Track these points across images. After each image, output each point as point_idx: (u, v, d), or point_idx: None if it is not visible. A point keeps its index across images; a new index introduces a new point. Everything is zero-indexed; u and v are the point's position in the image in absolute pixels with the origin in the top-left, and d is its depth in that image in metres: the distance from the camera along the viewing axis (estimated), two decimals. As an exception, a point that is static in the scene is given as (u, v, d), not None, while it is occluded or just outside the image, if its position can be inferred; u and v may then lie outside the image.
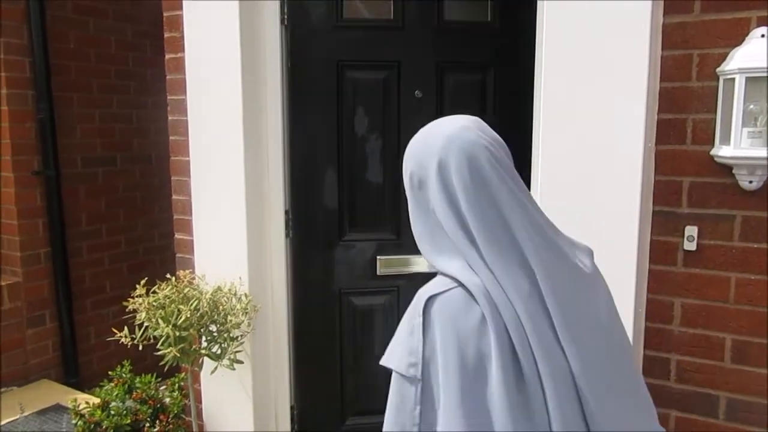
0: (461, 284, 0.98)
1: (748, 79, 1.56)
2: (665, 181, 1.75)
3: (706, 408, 1.76)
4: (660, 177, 1.75)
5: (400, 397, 0.99)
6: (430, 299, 0.99)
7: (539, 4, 1.82)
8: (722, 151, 1.63)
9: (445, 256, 1.02)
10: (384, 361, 1.02)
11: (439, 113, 2.18)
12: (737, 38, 1.62)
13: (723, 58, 1.63)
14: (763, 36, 1.58)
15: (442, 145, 1.00)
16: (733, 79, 1.58)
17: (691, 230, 1.73)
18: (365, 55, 2.53)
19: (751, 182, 1.63)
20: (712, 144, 1.67)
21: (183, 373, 2.60)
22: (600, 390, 0.99)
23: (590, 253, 1.09)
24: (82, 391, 3.23)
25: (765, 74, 1.54)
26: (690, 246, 1.73)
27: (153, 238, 3.88)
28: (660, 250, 1.78)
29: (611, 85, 1.68)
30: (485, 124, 1.06)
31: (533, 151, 1.89)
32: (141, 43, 3.69)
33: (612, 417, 1.00)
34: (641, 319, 1.81)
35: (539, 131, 1.83)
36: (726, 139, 1.62)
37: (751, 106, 1.58)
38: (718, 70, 1.64)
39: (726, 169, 1.66)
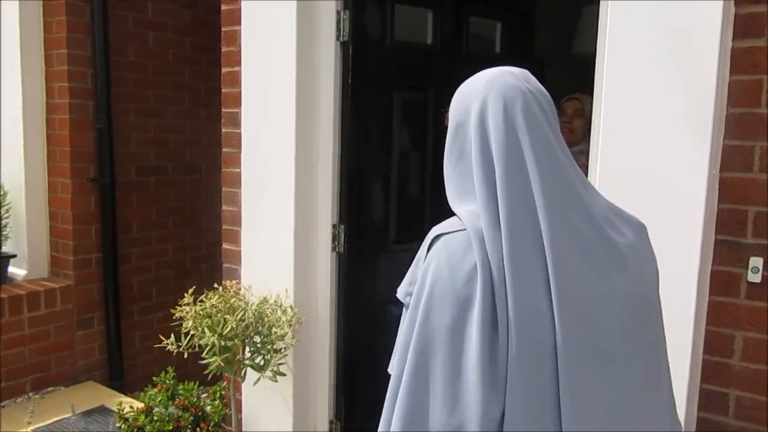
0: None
1: (821, 106, 1.50)
2: (729, 210, 1.69)
3: (767, 448, 1.68)
4: (724, 205, 1.69)
5: (402, 321, 1.06)
6: (436, 237, 1.02)
7: (600, 30, 1.79)
8: (792, 180, 1.57)
9: (463, 199, 1.03)
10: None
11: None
12: (810, 63, 1.56)
13: (795, 83, 1.58)
14: (838, 62, 1.52)
15: (483, 87, 1.03)
16: (806, 106, 1.52)
17: (756, 261, 1.66)
18: (411, 76, 2.61)
19: (822, 214, 1.56)
20: (781, 173, 1.61)
21: (225, 382, 2.62)
22: (580, 376, 0.91)
23: (638, 227, 1.05)
24: (126, 394, 3.29)
25: (840, 102, 1.48)
26: (754, 278, 1.66)
27: (200, 247, 3.94)
28: (722, 281, 1.71)
29: (676, 110, 1.64)
30: (532, 76, 1.06)
31: (589, 178, 1.84)
32: (197, 56, 3.79)
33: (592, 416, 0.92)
34: (699, 351, 1.74)
35: (598, 155, 1.79)
36: (796, 168, 1.56)
37: (825, 135, 1.51)
38: (789, 96, 1.58)
39: (795, 199, 1.60)
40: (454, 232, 1.01)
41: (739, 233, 1.67)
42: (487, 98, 1.01)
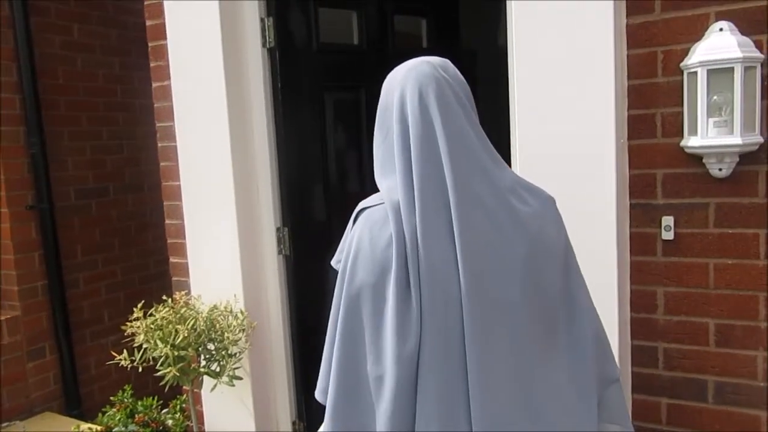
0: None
1: (710, 71, 1.63)
2: (639, 175, 1.81)
3: (695, 393, 1.80)
4: (634, 171, 1.81)
5: (336, 286, 1.19)
6: (361, 211, 1.18)
7: (508, 14, 1.89)
8: (691, 142, 1.69)
9: (386, 175, 1.17)
10: None
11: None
12: (698, 33, 1.69)
13: (686, 53, 1.70)
14: (721, 30, 1.65)
15: (403, 76, 1.16)
16: (696, 73, 1.65)
17: (668, 220, 1.78)
18: (341, 76, 2.68)
19: (720, 170, 1.69)
20: (682, 136, 1.73)
21: (184, 395, 2.63)
22: (481, 327, 1.04)
23: (544, 198, 1.17)
24: (85, 421, 3.24)
25: (726, 66, 1.61)
26: (668, 235, 1.79)
27: (148, 266, 3.91)
28: (639, 242, 1.83)
29: (581, 87, 1.75)
30: (451, 65, 1.20)
31: (512, 159, 1.94)
32: (128, 74, 3.77)
33: (497, 376, 1.04)
34: (626, 310, 1.85)
35: (516, 137, 1.89)
36: (693, 130, 1.68)
37: (715, 97, 1.64)
38: (681, 65, 1.71)
39: (696, 158, 1.72)
40: (376, 206, 1.15)
41: (650, 195, 1.80)
42: (405, 86, 1.14)
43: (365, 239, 1.12)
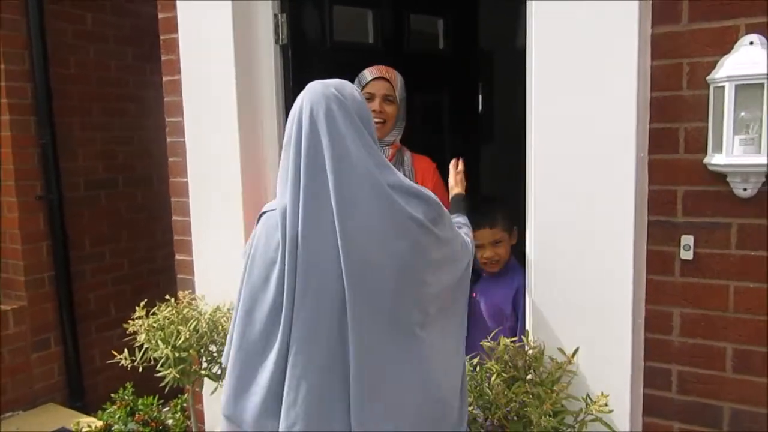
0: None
1: (738, 86, 1.55)
2: (659, 191, 1.74)
3: (710, 419, 1.74)
4: (654, 186, 1.74)
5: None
6: (263, 214, 1.38)
7: (528, 21, 1.82)
8: (715, 159, 1.62)
9: (282, 181, 1.35)
10: None
11: (409, 131, 2.36)
12: (726, 46, 1.61)
13: (713, 66, 1.63)
14: (752, 43, 1.58)
15: (302, 96, 1.36)
16: (723, 87, 1.57)
17: (687, 239, 1.71)
18: (354, 75, 2.60)
19: (745, 189, 1.61)
20: (705, 152, 1.66)
21: (185, 395, 2.60)
22: (364, 324, 1.25)
23: (425, 199, 1.33)
24: (88, 414, 3.22)
25: (755, 81, 1.54)
26: (686, 255, 1.71)
27: (156, 259, 3.89)
28: (657, 260, 1.76)
29: (601, 98, 1.68)
30: (348, 86, 1.38)
31: (527, 167, 1.88)
32: (141, 66, 3.73)
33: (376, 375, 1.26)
34: (641, 330, 1.79)
35: (532, 147, 1.83)
36: (718, 147, 1.61)
37: (743, 114, 1.57)
38: (708, 78, 1.63)
39: (720, 176, 1.65)
40: (273, 210, 1.34)
41: (670, 213, 1.73)
42: (303, 104, 1.34)
43: (261, 240, 1.33)
